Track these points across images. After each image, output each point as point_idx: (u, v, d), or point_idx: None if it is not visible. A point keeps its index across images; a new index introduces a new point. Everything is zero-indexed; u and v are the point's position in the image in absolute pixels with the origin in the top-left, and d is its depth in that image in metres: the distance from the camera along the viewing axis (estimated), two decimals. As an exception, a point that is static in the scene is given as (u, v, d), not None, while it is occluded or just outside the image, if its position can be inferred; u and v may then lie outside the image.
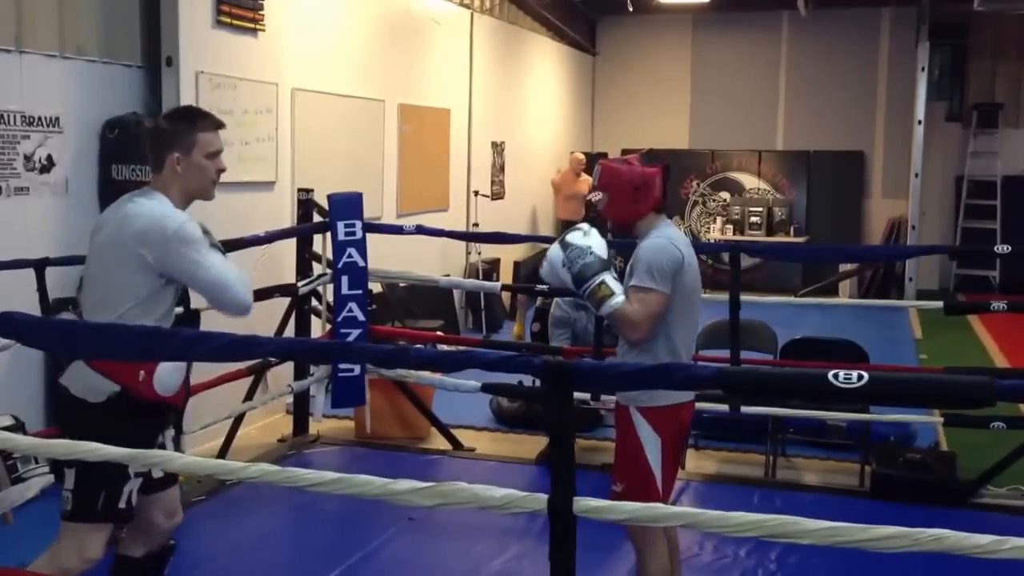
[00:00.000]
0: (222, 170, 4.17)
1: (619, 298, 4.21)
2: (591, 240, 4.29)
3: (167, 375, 3.94)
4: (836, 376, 2.49)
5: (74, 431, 3.80)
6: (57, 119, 6.74)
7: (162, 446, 4.05)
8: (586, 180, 12.73)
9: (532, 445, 7.64)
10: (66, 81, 6.85)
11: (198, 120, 4.12)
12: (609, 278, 4.23)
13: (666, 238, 4.38)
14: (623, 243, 5.58)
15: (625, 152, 17.44)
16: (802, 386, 2.73)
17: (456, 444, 7.82)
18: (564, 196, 14.50)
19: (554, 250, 4.32)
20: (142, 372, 3.86)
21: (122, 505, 3.92)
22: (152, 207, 3.94)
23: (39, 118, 6.63)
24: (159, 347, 3.28)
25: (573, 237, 4.31)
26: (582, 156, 14.62)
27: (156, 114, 4.14)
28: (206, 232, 3.97)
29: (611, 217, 4.56)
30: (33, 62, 6.60)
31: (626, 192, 4.46)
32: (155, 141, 4.09)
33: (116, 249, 3.91)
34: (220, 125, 4.14)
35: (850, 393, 2.48)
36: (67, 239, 6.82)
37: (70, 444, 3.19)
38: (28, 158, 6.57)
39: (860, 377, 2.47)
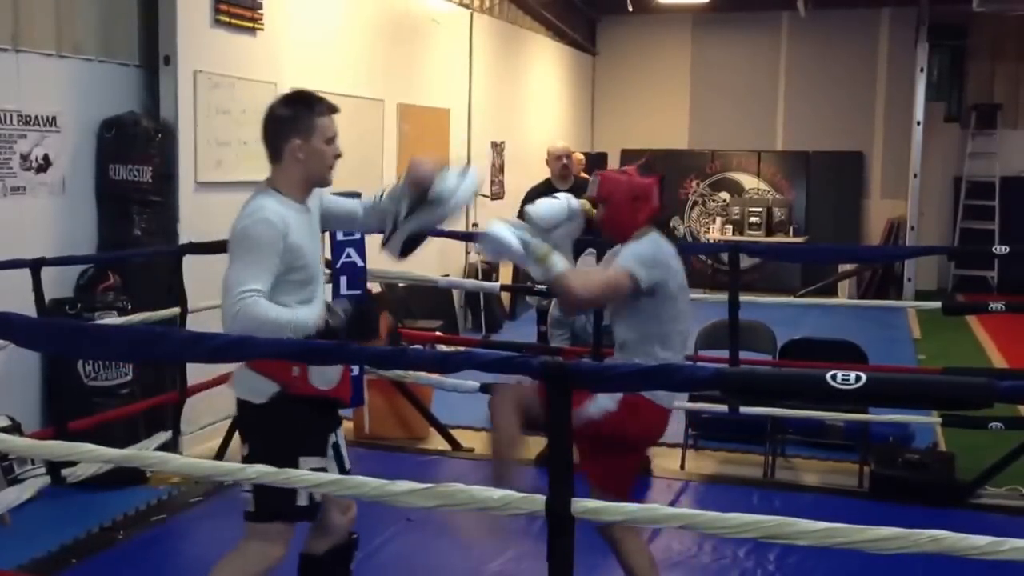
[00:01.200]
0: (339, 155, 4.10)
1: (563, 262, 4.24)
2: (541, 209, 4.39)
3: (320, 369, 3.92)
4: (834, 377, 2.48)
5: (247, 435, 4.03)
6: (54, 118, 6.73)
7: (335, 446, 4.10)
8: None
9: (531, 446, 7.63)
10: (63, 80, 6.84)
11: (315, 105, 4.05)
12: (552, 250, 4.24)
13: (654, 239, 4.48)
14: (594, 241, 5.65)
15: (625, 152, 17.49)
16: (800, 387, 2.73)
17: (455, 444, 7.81)
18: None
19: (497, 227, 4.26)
20: (296, 368, 3.87)
21: (302, 502, 3.93)
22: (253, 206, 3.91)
23: (36, 117, 6.62)
24: (153, 348, 3.27)
25: (531, 208, 4.39)
26: (581, 156, 14.54)
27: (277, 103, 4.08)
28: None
29: (609, 227, 4.57)
30: (30, 61, 6.59)
31: (625, 201, 4.50)
32: (273, 129, 4.04)
33: None
34: (335, 109, 4.07)
35: (848, 394, 2.48)
36: (64, 239, 6.81)
37: (66, 445, 3.18)
38: (25, 157, 6.56)
39: (858, 378, 2.46)
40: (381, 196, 4.29)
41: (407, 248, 4.27)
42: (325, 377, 3.96)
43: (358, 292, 4.10)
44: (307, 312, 3.88)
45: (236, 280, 3.70)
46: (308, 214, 4.04)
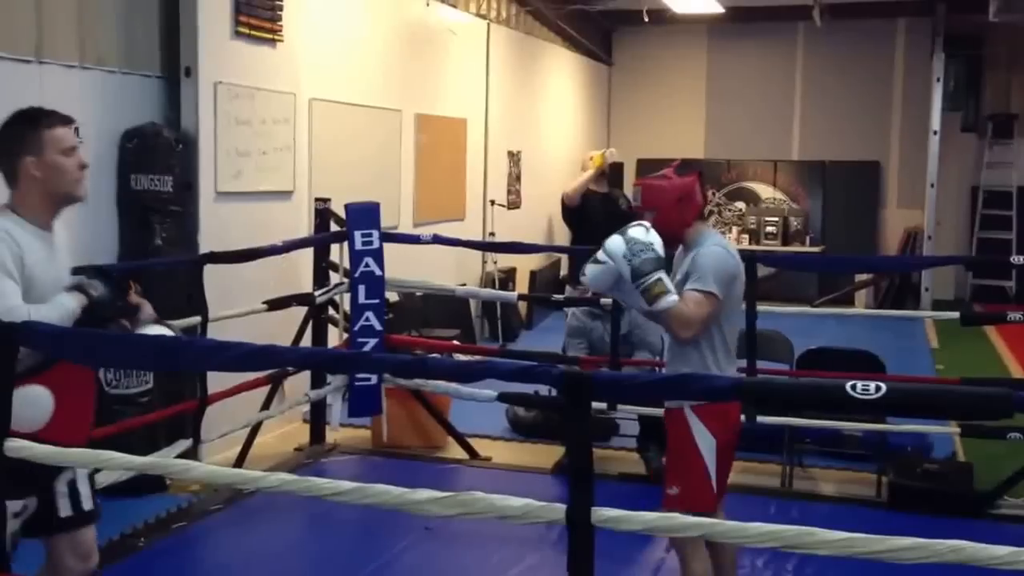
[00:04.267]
0: (84, 166, 3.88)
1: (674, 296, 4.25)
2: (652, 237, 4.27)
3: (21, 410, 3.44)
4: (854, 387, 2.49)
5: None
6: (76, 129, 6.74)
7: (71, 484, 3.81)
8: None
9: (548, 454, 7.63)
10: (85, 91, 6.88)
11: (42, 118, 3.82)
12: (665, 277, 4.25)
13: (722, 247, 4.55)
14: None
15: (641, 162, 17.48)
16: (820, 397, 2.73)
17: (472, 453, 7.82)
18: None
19: (615, 241, 4.27)
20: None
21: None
22: None
23: (58, 128, 6.65)
24: (177, 357, 3.29)
25: (636, 232, 4.28)
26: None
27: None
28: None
29: (662, 232, 4.52)
30: (53, 72, 6.63)
31: (672, 205, 4.57)
32: (2, 152, 3.80)
33: None
34: (69, 120, 3.86)
35: (868, 404, 2.48)
36: (85, 249, 6.84)
37: (90, 453, 3.20)
38: (47, 167, 6.59)
39: (878, 388, 2.47)
40: None
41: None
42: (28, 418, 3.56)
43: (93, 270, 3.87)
44: (67, 297, 3.69)
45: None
46: (50, 241, 3.83)
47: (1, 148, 3.81)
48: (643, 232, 4.27)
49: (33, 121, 3.81)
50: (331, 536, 6.27)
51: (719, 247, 4.53)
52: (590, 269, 4.39)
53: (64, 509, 3.77)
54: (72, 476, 3.80)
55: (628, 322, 7.30)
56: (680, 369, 4.48)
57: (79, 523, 3.87)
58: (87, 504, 3.87)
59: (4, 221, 3.69)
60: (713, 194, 17.94)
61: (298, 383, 7.74)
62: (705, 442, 4.41)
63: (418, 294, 10.23)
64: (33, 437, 3.42)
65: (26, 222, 3.73)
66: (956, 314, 7.15)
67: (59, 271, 3.83)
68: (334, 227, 7.84)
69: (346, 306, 7.59)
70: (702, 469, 4.41)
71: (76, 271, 3.89)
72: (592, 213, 8.48)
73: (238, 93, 7.80)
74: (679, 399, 4.34)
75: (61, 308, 3.63)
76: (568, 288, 9.03)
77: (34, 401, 3.61)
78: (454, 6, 12.05)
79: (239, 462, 7.18)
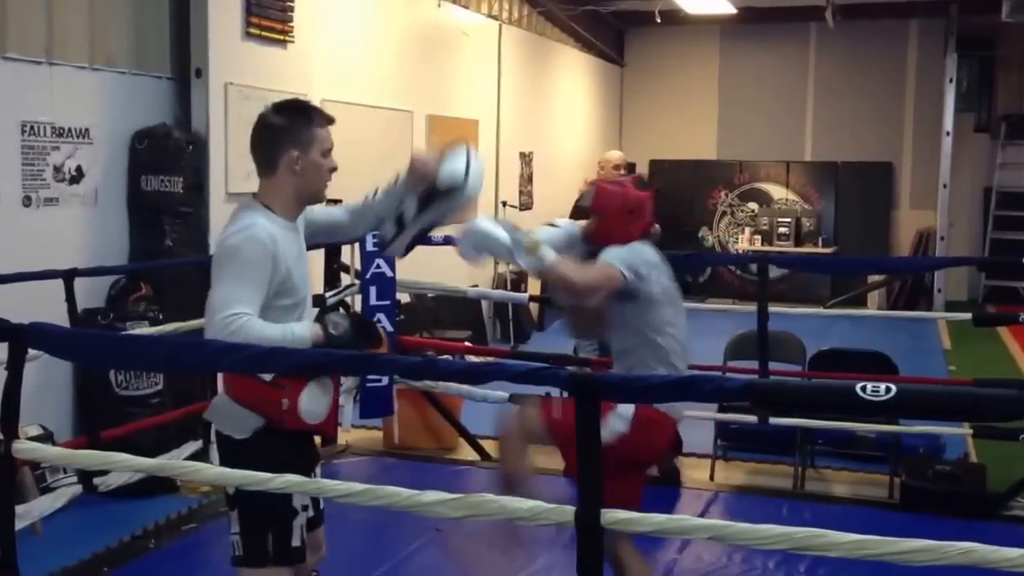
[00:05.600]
0: (334, 168, 3.84)
1: (553, 253, 4.15)
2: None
3: (312, 402, 3.61)
4: (863, 389, 2.47)
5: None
6: (87, 130, 6.78)
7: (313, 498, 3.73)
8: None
9: (558, 456, 7.61)
10: (96, 92, 6.89)
11: (314, 115, 3.78)
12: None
13: (635, 246, 4.43)
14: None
15: (654, 163, 17.50)
16: (829, 399, 2.71)
17: (484, 455, 7.81)
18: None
19: (488, 219, 4.19)
20: (285, 400, 3.54)
21: (295, 543, 3.61)
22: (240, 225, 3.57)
23: (69, 129, 6.67)
24: (186, 359, 3.29)
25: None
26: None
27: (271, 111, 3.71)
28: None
29: (601, 238, 4.49)
30: (64, 73, 6.65)
31: (621, 215, 4.46)
32: (267, 139, 3.70)
33: None
34: (332, 120, 3.83)
35: (878, 406, 2.47)
36: (96, 249, 6.86)
37: (100, 454, 3.19)
38: (58, 169, 6.61)
39: (888, 390, 2.45)
40: (374, 195, 4.10)
41: (411, 245, 4.05)
42: (316, 411, 3.64)
43: (341, 305, 3.80)
44: (301, 327, 3.55)
45: (224, 300, 3.40)
46: (297, 234, 3.78)
47: (267, 136, 3.70)
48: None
49: (307, 115, 3.75)
50: (342, 537, 6.24)
51: (630, 246, 4.41)
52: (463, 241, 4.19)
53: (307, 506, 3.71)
54: (315, 475, 3.79)
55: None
56: (635, 368, 4.39)
57: (319, 520, 3.88)
58: (322, 501, 3.83)
59: (259, 217, 3.59)
60: (725, 195, 17.94)
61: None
62: (613, 430, 4.23)
63: (429, 295, 10.23)
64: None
65: (276, 215, 3.64)
66: (969, 315, 7.13)
67: (305, 265, 3.80)
68: (345, 228, 7.83)
69: (357, 307, 7.59)
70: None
71: (320, 303, 3.74)
72: None
73: (249, 94, 7.80)
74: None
75: (291, 337, 3.46)
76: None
77: (322, 393, 3.66)
78: (466, 7, 12.06)
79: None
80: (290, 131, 3.67)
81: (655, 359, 4.39)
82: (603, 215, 4.47)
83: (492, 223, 4.14)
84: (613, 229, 4.44)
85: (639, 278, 4.33)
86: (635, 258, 4.35)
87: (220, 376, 3.72)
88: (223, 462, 3.55)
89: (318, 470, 3.85)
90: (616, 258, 4.32)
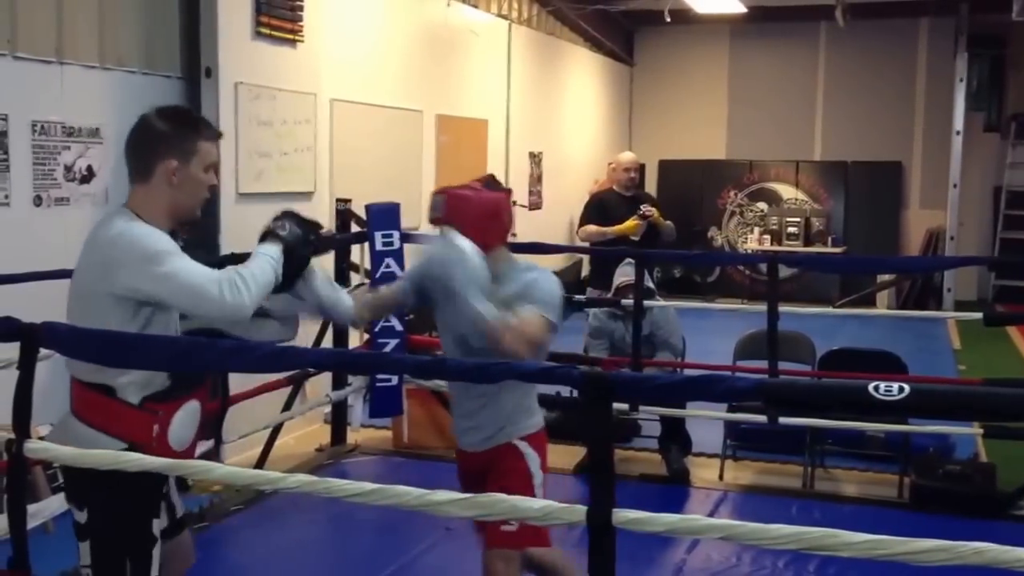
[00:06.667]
0: (214, 185, 3.59)
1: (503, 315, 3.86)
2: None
3: (182, 428, 3.47)
4: (876, 388, 2.47)
5: (85, 500, 3.41)
6: (97, 130, 6.79)
7: (167, 496, 3.58)
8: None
9: (569, 455, 7.61)
10: (106, 92, 6.90)
11: (202, 126, 3.54)
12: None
13: (548, 275, 4.16)
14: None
15: (663, 163, 17.49)
16: (842, 399, 2.71)
17: (493, 454, 7.81)
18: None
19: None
20: (156, 427, 3.38)
21: (155, 573, 3.42)
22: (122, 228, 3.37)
23: (79, 129, 6.68)
24: (197, 358, 3.29)
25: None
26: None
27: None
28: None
29: None
30: (74, 73, 6.65)
31: (477, 222, 4.05)
32: (146, 143, 3.48)
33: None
34: (220, 135, 3.61)
35: (891, 406, 2.46)
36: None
37: (111, 454, 3.19)
38: (68, 168, 6.62)
39: (901, 389, 2.45)
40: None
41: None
42: (184, 437, 3.50)
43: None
44: (263, 247, 3.49)
45: (191, 275, 3.28)
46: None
47: (147, 140, 3.48)
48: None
49: (193, 126, 3.52)
50: (352, 537, 6.28)
51: (553, 276, 4.15)
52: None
53: (163, 519, 3.57)
54: (167, 489, 3.61)
55: (650, 323, 7.30)
56: (511, 409, 4.13)
57: (181, 527, 3.77)
58: (179, 510, 3.74)
59: (129, 221, 3.38)
60: (735, 195, 17.92)
61: (319, 384, 7.75)
62: (536, 467, 4.14)
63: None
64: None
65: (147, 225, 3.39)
66: (979, 315, 7.12)
67: None
68: (355, 228, 7.85)
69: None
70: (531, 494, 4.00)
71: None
72: (614, 214, 8.48)
73: (259, 94, 7.81)
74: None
75: (266, 258, 3.43)
76: (589, 289, 9.02)
77: (192, 418, 3.53)
78: (475, 6, 12.06)
79: (260, 463, 7.19)
80: (172, 139, 3.43)
81: (529, 395, 4.22)
82: (461, 226, 4.00)
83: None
84: (472, 236, 3.96)
85: (559, 321, 4.08)
86: (557, 298, 4.06)
87: (71, 394, 3.51)
88: (79, 490, 3.41)
89: (171, 480, 3.63)
90: (546, 306, 3.98)
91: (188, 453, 3.55)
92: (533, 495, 3.96)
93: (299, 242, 3.57)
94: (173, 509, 3.65)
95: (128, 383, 3.32)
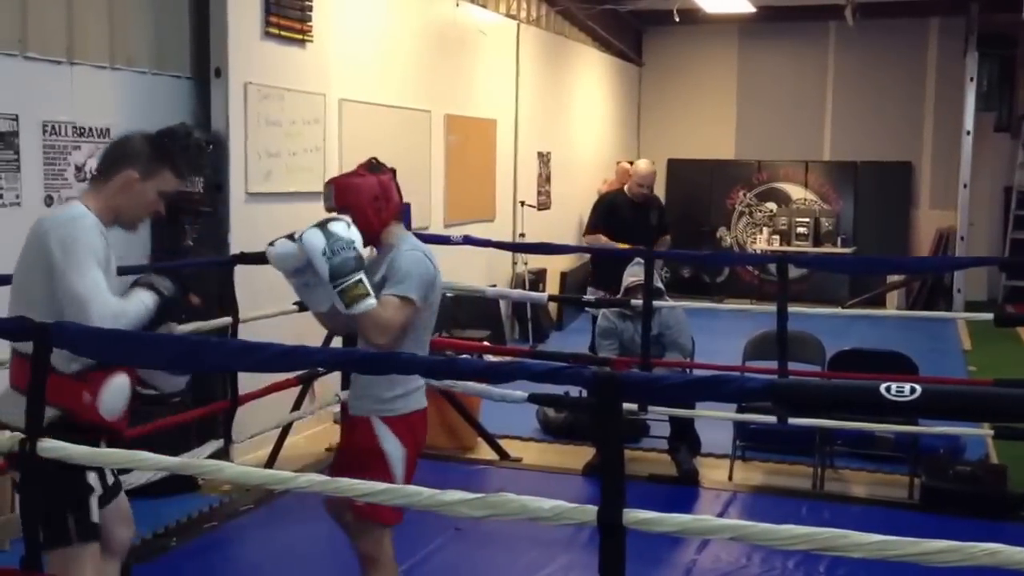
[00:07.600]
0: (159, 212, 4.04)
1: (373, 300, 3.98)
2: (354, 235, 4.00)
3: (112, 398, 3.72)
4: (888, 389, 2.46)
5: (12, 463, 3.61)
6: (107, 130, 6.80)
7: (100, 472, 3.73)
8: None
9: (579, 456, 7.63)
10: (116, 92, 6.91)
11: (176, 160, 3.97)
12: (365, 278, 3.98)
13: (422, 252, 4.29)
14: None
15: (672, 162, 17.49)
16: (854, 399, 2.70)
17: (503, 454, 7.82)
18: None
19: (315, 235, 3.98)
20: (86, 394, 3.64)
21: (95, 519, 3.68)
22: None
23: (90, 129, 6.69)
24: (207, 358, 3.29)
25: (337, 227, 4.00)
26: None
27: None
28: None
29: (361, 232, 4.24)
30: (84, 73, 6.67)
31: (368, 204, 4.27)
32: (118, 152, 3.90)
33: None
34: (188, 176, 3.87)
35: (903, 406, 2.46)
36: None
37: (123, 453, 3.20)
38: (79, 168, 6.63)
39: (912, 390, 2.45)
40: None
41: None
42: (115, 407, 3.75)
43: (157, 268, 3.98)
44: (141, 294, 3.78)
45: (86, 289, 3.55)
46: (108, 244, 3.81)
47: (121, 151, 3.90)
48: (344, 228, 4.00)
49: (169, 159, 3.93)
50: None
51: (418, 251, 4.28)
52: (280, 245, 4.16)
53: (108, 475, 3.83)
54: None
55: (659, 323, 7.30)
56: (375, 378, 4.23)
57: (119, 488, 3.99)
58: (109, 477, 3.87)
59: (87, 213, 3.74)
60: (744, 195, 17.91)
61: (329, 384, 7.75)
62: (394, 451, 4.24)
63: (448, 295, 10.22)
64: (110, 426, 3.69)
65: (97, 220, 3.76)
66: (989, 315, 7.10)
67: (112, 279, 3.84)
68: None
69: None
70: (390, 479, 4.10)
71: (136, 271, 3.94)
72: (622, 218, 8.50)
73: (268, 94, 7.82)
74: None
75: (140, 305, 3.70)
76: (590, 289, 9.04)
77: (122, 390, 3.77)
78: (484, 6, 12.06)
79: (270, 462, 7.20)
80: (144, 156, 3.85)
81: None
82: (351, 210, 4.22)
83: (334, 235, 4.00)
84: (366, 221, 4.21)
85: (427, 294, 4.22)
86: (422, 276, 4.20)
87: (9, 366, 3.77)
88: (10, 456, 3.50)
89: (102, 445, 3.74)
90: (409, 283, 4.14)
91: (120, 425, 3.82)
92: (388, 478, 4.09)
93: (175, 302, 3.92)
94: (104, 475, 3.79)
95: (60, 354, 3.43)
